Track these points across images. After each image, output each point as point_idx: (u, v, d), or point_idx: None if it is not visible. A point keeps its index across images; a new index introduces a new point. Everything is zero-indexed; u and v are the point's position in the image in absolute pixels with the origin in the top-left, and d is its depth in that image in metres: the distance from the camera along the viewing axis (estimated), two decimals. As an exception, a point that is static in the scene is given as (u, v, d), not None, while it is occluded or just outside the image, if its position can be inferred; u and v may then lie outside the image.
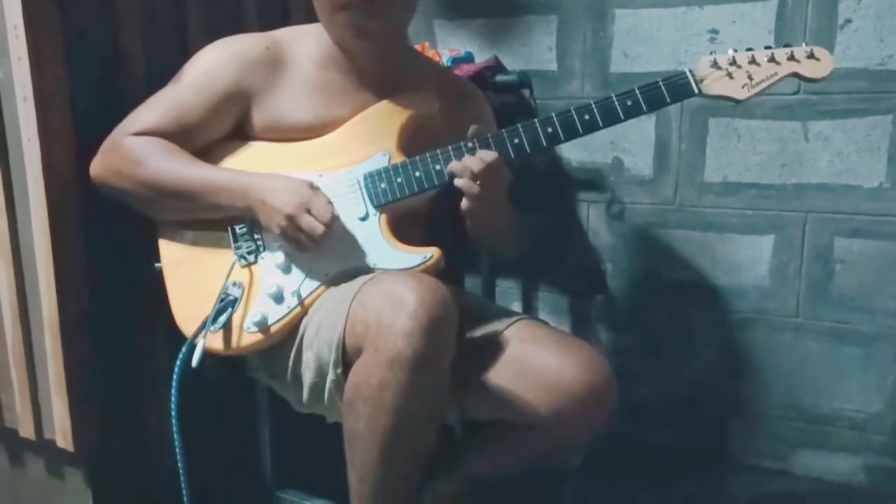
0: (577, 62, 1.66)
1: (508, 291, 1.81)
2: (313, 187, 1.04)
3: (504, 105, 1.56)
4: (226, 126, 1.11)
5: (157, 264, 1.10)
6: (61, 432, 1.19)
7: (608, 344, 1.72)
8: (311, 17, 1.13)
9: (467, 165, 1.01)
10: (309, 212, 1.00)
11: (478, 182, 1.01)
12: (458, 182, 1.02)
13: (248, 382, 1.21)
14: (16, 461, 1.33)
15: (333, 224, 1.01)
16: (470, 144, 1.05)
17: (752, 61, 1.02)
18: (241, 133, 1.12)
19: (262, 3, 1.45)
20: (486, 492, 1.13)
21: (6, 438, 1.30)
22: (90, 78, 1.16)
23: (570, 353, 1.02)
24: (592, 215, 1.71)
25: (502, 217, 1.10)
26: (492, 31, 1.75)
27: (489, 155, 1.02)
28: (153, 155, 1.04)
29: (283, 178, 1.05)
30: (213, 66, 1.09)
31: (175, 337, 1.05)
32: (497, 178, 1.03)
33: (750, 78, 1.02)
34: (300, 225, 1.00)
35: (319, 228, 1.00)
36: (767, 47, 1.03)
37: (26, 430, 1.23)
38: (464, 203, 1.04)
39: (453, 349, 0.91)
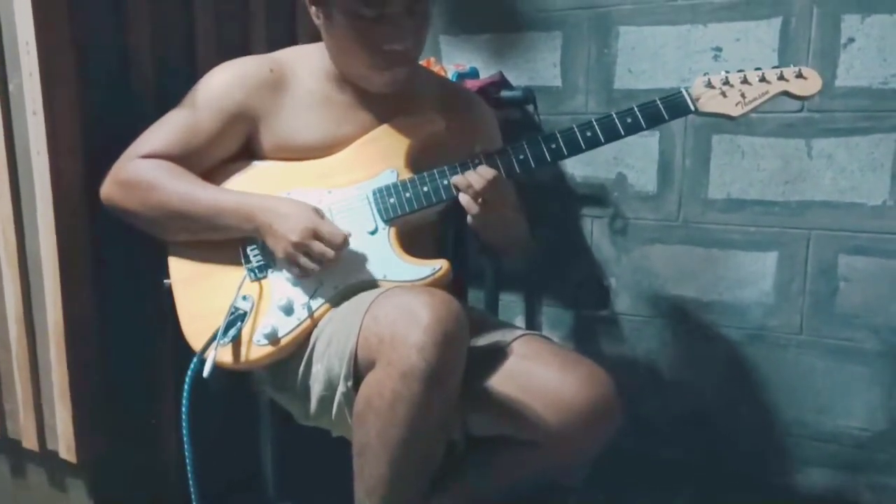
0: (582, 78, 1.68)
1: (511, 305, 1.82)
2: (320, 213, 1.05)
3: (508, 120, 1.57)
4: (233, 147, 1.12)
5: (166, 281, 1.10)
6: (64, 443, 1.19)
7: (611, 359, 1.71)
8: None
9: (469, 182, 1.03)
10: (319, 237, 1.01)
11: (479, 199, 1.03)
12: (461, 199, 1.04)
13: (251, 395, 1.21)
14: (18, 472, 1.33)
15: (344, 248, 1.02)
16: (477, 161, 1.07)
17: (744, 81, 1.07)
18: (251, 153, 1.14)
19: (269, 14, 1.46)
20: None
21: (9, 449, 1.30)
22: (100, 92, 1.17)
23: (573, 370, 1.02)
24: (596, 230, 1.72)
25: (511, 228, 1.11)
26: (497, 46, 1.76)
27: (489, 172, 1.03)
28: (161, 178, 1.06)
29: (290, 202, 1.05)
30: (218, 89, 1.10)
31: (181, 349, 1.06)
32: (498, 193, 1.04)
33: (743, 96, 1.07)
34: (311, 250, 1.00)
35: (329, 253, 1.00)
36: (757, 68, 1.08)
37: (29, 441, 1.23)
38: (469, 219, 1.05)
39: (464, 363, 0.92)
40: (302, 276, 1.04)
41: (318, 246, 1.00)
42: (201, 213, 1.05)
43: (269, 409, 1.22)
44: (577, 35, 1.67)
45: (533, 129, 1.64)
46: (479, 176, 1.03)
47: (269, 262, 1.07)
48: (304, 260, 1.01)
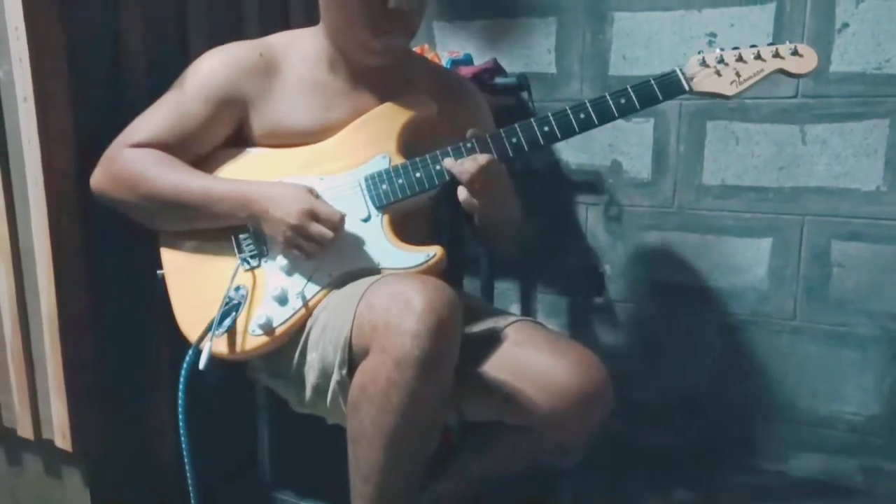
0: (576, 65, 1.67)
1: (507, 293, 1.82)
2: (314, 193, 1.04)
3: (503, 107, 1.56)
4: (224, 134, 1.12)
5: (159, 271, 1.10)
6: (60, 432, 1.19)
7: (606, 345, 1.72)
8: (310, 17, 1.14)
9: (464, 168, 1.03)
10: (316, 218, 1.01)
11: (476, 185, 1.02)
12: (459, 193, 1.04)
13: (248, 383, 1.21)
14: (14, 461, 1.32)
15: (342, 228, 1.02)
16: (469, 145, 1.07)
17: (739, 59, 1.05)
18: (242, 140, 1.13)
19: (262, 4, 1.45)
20: (485, 491, 1.13)
21: (4, 438, 1.30)
22: (91, 79, 1.16)
23: (565, 355, 1.03)
24: (591, 217, 1.72)
25: (506, 210, 1.12)
26: (491, 32, 1.75)
27: (483, 157, 1.03)
28: (151, 167, 1.05)
29: (282, 185, 1.05)
30: (208, 74, 1.09)
31: (177, 338, 1.05)
32: (492, 177, 1.04)
33: (738, 75, 1.05)
34: (309, 233, 1.00)
35: (329, 234, 1.00)
36: (753, 45, 1.06)
37: (25, 430, 1.23)
38: (463, 196, 1.04)
39: (458, 350, 0.92)
40: (302, 259, 1.03)
41: (316, 228, 1.00)
42: (193, 201, 1.05)
43: (266, 396, 1.22)
44: (572, 21, 1.66)
45: (527, 116, 1.61)
46: (474, 161, 1.03)
47: (263, 251, 1.07)
48: (304, 243, 1.01)
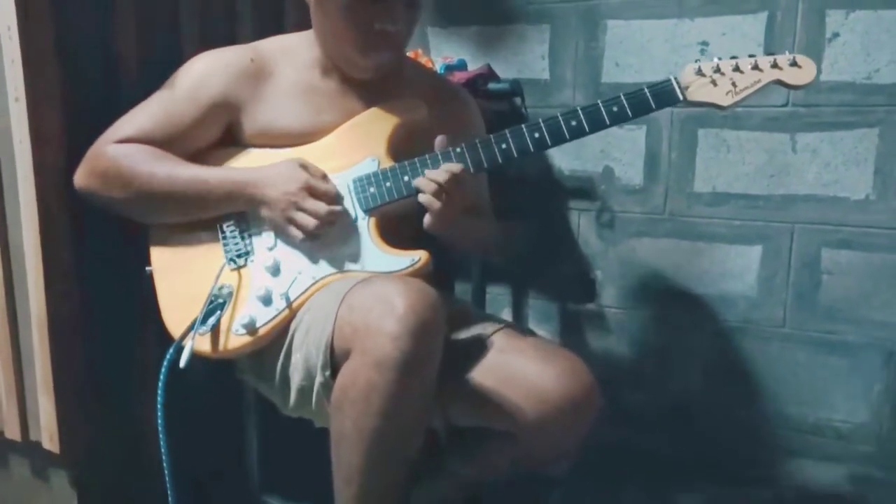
0: (569, 71, 1.68)
1: (499, 298, 1.82)
2: (304, 165, 1.05)
3: (496, 113, 1.57)
4: (212, 135, 1.12)
5: (148, 268, 1.10)
6: (47, 433, 1.18)
7: (597, 351, 1.72)
8: (303, 19, 1.14)
9: (434, 178, 1.01)
10: (312, 193, 1.02)
11: (443, 196, 1.01)
12: (420, 198, 1.02)
13: (237, 385, 1.21)
14: (0, 462, 1.32)
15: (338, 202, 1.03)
16: (458, 150, 1.06)
17: (736, 69, 1.03)
18: (233, 140, 1.13)
19: (255, 6, 1.46)
20: (473, 496, 1.13)
21: (-9, 439, 1.30)
22: (84, 79, 1.16)
23: (551, 362, 1.03)
24: (583, 223, 1.72)
25: (463, 229, 1.10)
26: (485, 38, 1.76)
27: (455, 167, 1.02)
28: (143, 161, 1.05)
29: (275, 165, 1.06)
30: (199, 78, 1.09)
31: (165, 338, 1.05)
32: (459, 190, 1.02)
33: (734, 85, 1.03)
34: (305, 206, 1.01)
35: (324, 208, 1.01)
36: (751, 55, 1.04)
37: (12, 431, 1.23)
38: (426, 218, 1.03)
39: (441, 353, 0.91)
40: (304, 239, 1.03)
41: (311, 202, 1.01)
42: (190, 192, 1.05)
43: (255, 398, 1.22)
44: (565, 28, 1.67)
45: (520, 121, 1.62)
46: (444, 171, 1.01)
47: (249, 249, 1.07)
48: (300, 216, 1.02)
